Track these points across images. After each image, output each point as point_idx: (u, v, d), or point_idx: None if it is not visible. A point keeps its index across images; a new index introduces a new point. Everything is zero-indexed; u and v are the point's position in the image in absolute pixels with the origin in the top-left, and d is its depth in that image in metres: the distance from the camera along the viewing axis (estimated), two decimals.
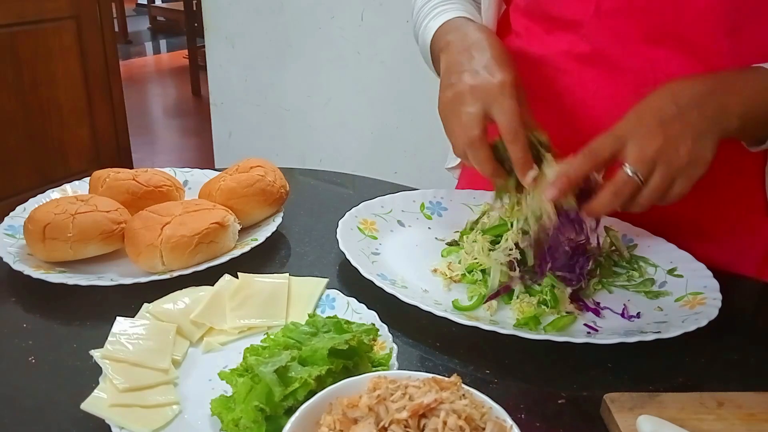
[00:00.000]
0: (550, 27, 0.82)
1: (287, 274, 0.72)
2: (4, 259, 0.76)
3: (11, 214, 0.85)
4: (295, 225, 0.91)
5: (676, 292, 0.75)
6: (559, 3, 0.80)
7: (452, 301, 0.73)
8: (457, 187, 1.05)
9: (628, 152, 0.65)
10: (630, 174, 0.64)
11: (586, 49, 0.78)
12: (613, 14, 0.75)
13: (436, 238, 0.86)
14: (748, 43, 0.71)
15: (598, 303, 0.73)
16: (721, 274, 0.75)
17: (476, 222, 0.83)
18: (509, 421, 0.44)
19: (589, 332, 0.69)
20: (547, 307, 0.71)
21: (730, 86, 0.67)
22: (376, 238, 0.84)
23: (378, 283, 0.71)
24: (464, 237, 0.81)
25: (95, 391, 0.55)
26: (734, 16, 0.70)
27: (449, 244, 0.84)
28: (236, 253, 0.79)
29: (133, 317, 0.64)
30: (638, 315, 0.72)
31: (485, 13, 0.91)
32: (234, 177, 0.87)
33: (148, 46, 6.51)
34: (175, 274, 0.74)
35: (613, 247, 0.82)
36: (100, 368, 0.57)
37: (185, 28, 4.87)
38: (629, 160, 0.64)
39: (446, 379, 0.46)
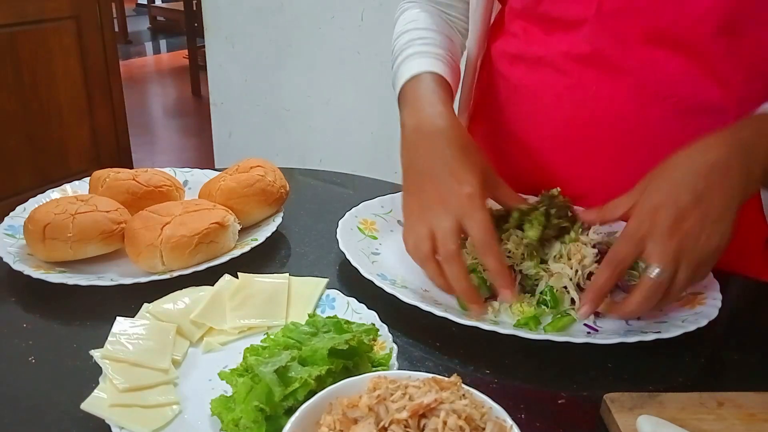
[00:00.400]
0: (549, 28, 0.82)
1: (287, 274, 0.72)
2: (4, 259, 0.76)
3: (11, 214, 0.85)
4: (295, 225, 0.91)
5: None
6: (559, 4, 0.80)
7: (456, 299, 0.73)
8: None
9: (649, 253, 0.62)
10: (655, 277, 0.62)
11: (587, 50, 0.78)
12: (614, 15, 0.75)
13: None
14: (746, 46, 0.71)
15: None
16: (721, 274, 0.75)
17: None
18: (509, 421, 0.44)
19: (589, 332, 0.69)
20: (547, 307, 0.71)
21: (750, 149, 0.64)
22: (376, 238, 0.84)
23: (378, 283, 0.71)
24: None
25: (95, 391, 0.55)
26: (733, 18, 0.70)
27: None
28: (236, 253, 0.79)
29: (133, 317, 0.64)
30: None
31: (473, 15, 0.91)
32: (234, 177, 0.87)
33: (148, 46, 6.51)
34: (175, 274, 0.74)
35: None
36: (100, 368, 0.57)
37: (185, 28, 4.87)
38: (653, 260, 0.62)
39: (446, 379, 0.46)
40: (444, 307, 0.70)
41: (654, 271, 0.62)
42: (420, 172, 0.72)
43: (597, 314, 0.72)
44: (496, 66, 0.91)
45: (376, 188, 1.01)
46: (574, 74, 0.80)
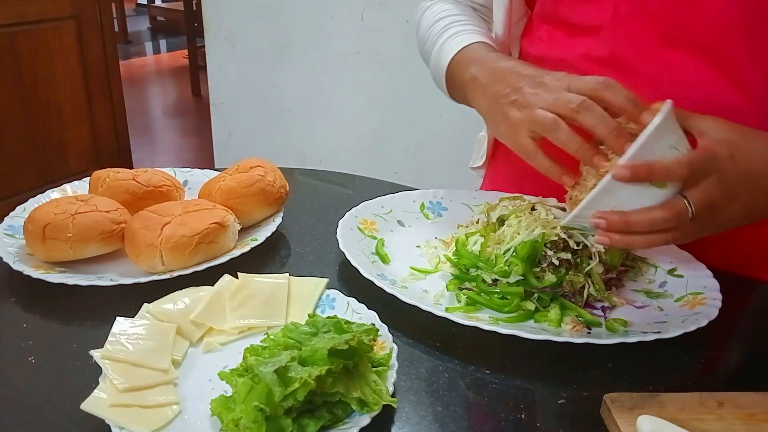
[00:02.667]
0: (570, 32, 0.83)
1: (287, 274, 0.72)
2: (4, 259, 0.76)
3: (11, 214, 0.85)
4: (295, 225, 0.91)
5: (676, 292, 0.75)
6: (577, 10, 0.80)
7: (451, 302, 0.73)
8: (481, 188, 1.05)
9: (701, 186, 0.61)
10: (687, 207, 0.61)
11: (604, 54, 0.79)
12: (629, 19, 0.75)
13: (436, 238, 0.86)
14: (767, 46, 0.70)
15: (607, 308, 0.74)
16: (722, 274, 0.75)
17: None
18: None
19: (589, 332, 0.69)
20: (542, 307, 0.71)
21: None
22: (376, 238, 0.84)
23: (378, 283, 0.71)
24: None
25: (95, 391, 0.55)
26: (752, 18, 0.69)
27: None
28: (236, 253, 0.79)
29: (133, 317, 0.64)
30: None
31: (496, 16, 0.91)
32: (234, 177, 0.87)
33: (148, 46, 6.51)
34: (175, 274, 0.74)
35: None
36: (100, 368, 0.57)
37: (185, 28, 4.87)
38: (694, 196, 0.61)
39: None
40: (444, 307, 0.70)
41: (689, 202, 0.61)
42: (508, 89, 0.71)
43: (609, 308, 0.72)
44: None
45: (376, 188, 1.01)
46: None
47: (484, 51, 0.80)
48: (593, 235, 0.66)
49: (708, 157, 0.61)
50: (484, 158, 1.03)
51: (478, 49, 0.80)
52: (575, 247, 0.72)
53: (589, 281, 0.72)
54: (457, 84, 0.82)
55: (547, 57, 0.86)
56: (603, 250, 0.73)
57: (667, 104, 0.61)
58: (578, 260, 0.72)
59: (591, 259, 0.73)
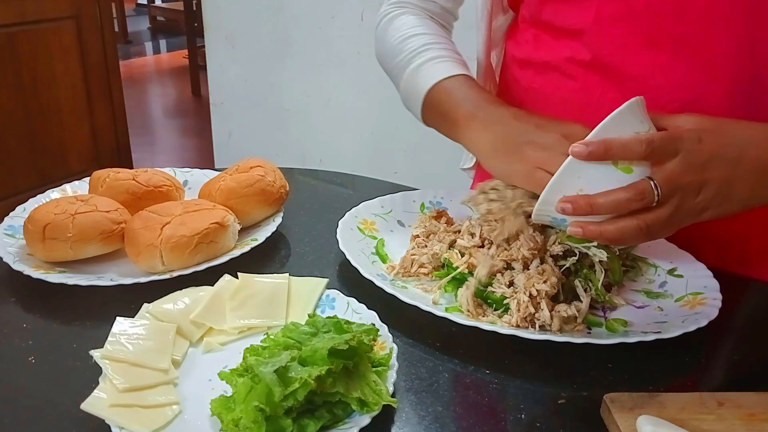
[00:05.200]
0: (555, 34, 0.83)
1: (287, 274, 0.72)
2: (4, 259, 0.76)
3: (11, 214, 0.85)
4: (295, 225, 0.91)
5: (676, 292, 0.75)
6: (560, 13, 0.80)
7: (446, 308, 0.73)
8: (471, 188, 1.05)
9: (665, 167, 0.59)
10: (653, 188, 0.59)
11: (588, 57, 0.78)
12: (613, 21, 0.75)
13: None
14: (758, 44, 0.70)
15: (607, 308, 0.73)
16: (721, 274, 0.75)
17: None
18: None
19: (589, 332, 0.69)
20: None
21: None
22: (376, 238, 0.84)
23: (378, 283, 0.71)
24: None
25: (95, 391, 0.55)
26: (740, 10, 0.68)
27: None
28: (236, 253, 0.79)
29: (133, 317, 0.64)
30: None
31: (479, 24, 0.91)
32: (234, 177, 0.87)
33: (148, 46, 6.51)
34: (175, 274, 0.74)
35: None
36: (100, 368, 0.57)
37: (185, 28, 4.87)
38: (659, 176, 0.59)
39: None
40: (444, 307, 0.70)
41: (654, 183, 0.59)
42: (520, 125, 0.69)
43: (609, 309, 0.71)
44: (510, 70, 0.92)
45: (376, 188, 1.01)
46: (579, 79, 0.80)
47: (472, 88, 0.77)
48: (565, 229, 0.64)
49: (672, 138, 0.60)
50: (474, 159, 1.03)
51: (467, 86, 0.78)
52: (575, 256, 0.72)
53: (589, 285, 0.72)
54: (440, 112, 0.79)
55: (532, 60, 0.86)
56: (605, 259, 0.72)
57: (638, 98, 0.61)
58: (578, 267, 0.72)
59: (592, 268, 0.72)
